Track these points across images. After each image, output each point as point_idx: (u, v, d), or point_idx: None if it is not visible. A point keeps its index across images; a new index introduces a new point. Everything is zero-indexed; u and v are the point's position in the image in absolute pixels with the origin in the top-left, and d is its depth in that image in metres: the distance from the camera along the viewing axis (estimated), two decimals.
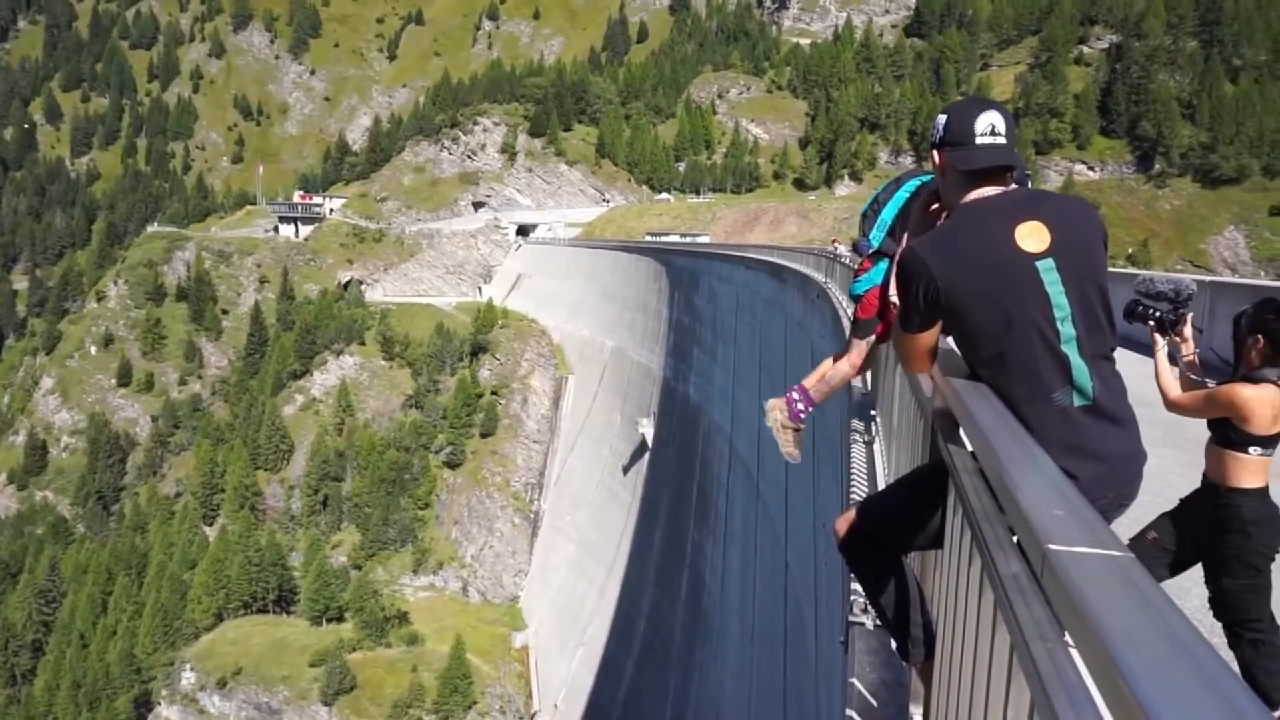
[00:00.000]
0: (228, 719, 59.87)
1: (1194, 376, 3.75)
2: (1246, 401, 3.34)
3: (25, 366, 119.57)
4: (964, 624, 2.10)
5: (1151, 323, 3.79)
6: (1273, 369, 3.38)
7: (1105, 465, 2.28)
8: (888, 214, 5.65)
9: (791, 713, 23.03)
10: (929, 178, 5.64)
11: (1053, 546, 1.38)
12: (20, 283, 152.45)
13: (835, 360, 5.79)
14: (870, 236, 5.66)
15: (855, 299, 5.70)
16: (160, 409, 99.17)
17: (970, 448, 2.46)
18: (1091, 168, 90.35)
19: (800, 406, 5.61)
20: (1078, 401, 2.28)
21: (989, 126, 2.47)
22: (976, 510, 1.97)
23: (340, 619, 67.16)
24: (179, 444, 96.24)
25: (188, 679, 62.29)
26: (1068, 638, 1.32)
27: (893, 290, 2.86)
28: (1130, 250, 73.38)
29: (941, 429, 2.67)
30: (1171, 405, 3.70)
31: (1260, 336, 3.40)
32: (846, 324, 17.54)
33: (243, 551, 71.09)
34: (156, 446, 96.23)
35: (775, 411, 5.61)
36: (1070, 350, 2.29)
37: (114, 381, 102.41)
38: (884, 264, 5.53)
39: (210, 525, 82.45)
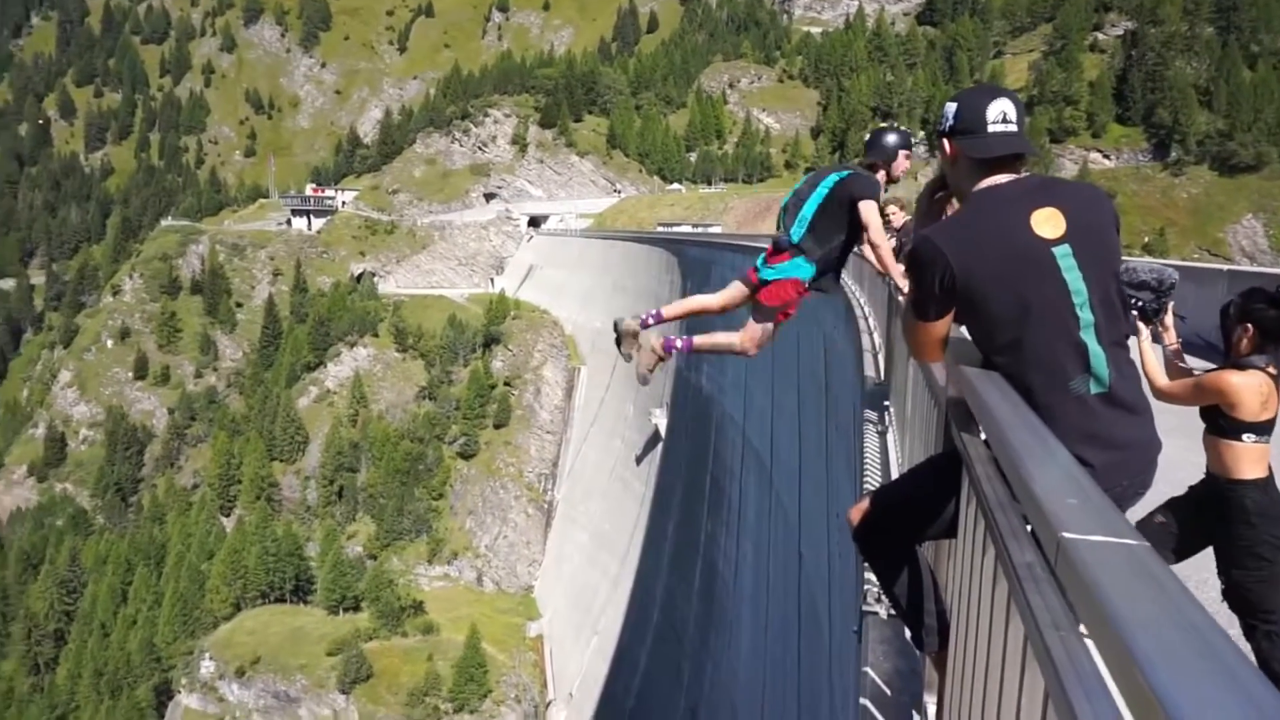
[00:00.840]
0: (246, 707, 60.52)
1: (1180, 364, 3.78)
2: (1235, 388, 3.37)
3: (43, 360, 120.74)
4: (977, 613, 2.11)
5: (1134, 312, 3.81)
6: (1260, 355, 3.42)
7: (1120, 453, 2.28)
8: (809, 210, 5.75)
9: (805, 700, 23.08)
10: (847, 173, 5.75)
11: (1067, 534, 1.36)
12: (37, 277, 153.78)
13: (727, 317, 5.91)
14: (791, 231, 5.73)
15: (764, 284, 5.73)
16: (177, 401, 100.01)
17: (984, 437, 2.47)
18: (1107, 156, 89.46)
19: (679, 346, 5.80)
20: (1094, 389, 2.28)
21: (1001, 114, 2.48)
22: (990, 499, 1.98)
23: (356, 608, 67.68)
24: (196, 436, 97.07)
25: (207, 668, 62.98)
26: (1082, 628, 1.31)
27: (902, 279, 2.87)
28: (1146, 239, 72.68)
29: (955, 418, 2.68)
30: (1159, 393, 3.71)
31: (1249, 324, 3.45)
32: (859, 312, 17.50)
33: (260, 542, 71.70)
34: (173, 438, 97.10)
35: (650, 336, 5.72)
36: (1088, 337, 2.29)
37: (131, 374, 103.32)
38: (801, 260, 5.64)
39: (227, 516, 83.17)
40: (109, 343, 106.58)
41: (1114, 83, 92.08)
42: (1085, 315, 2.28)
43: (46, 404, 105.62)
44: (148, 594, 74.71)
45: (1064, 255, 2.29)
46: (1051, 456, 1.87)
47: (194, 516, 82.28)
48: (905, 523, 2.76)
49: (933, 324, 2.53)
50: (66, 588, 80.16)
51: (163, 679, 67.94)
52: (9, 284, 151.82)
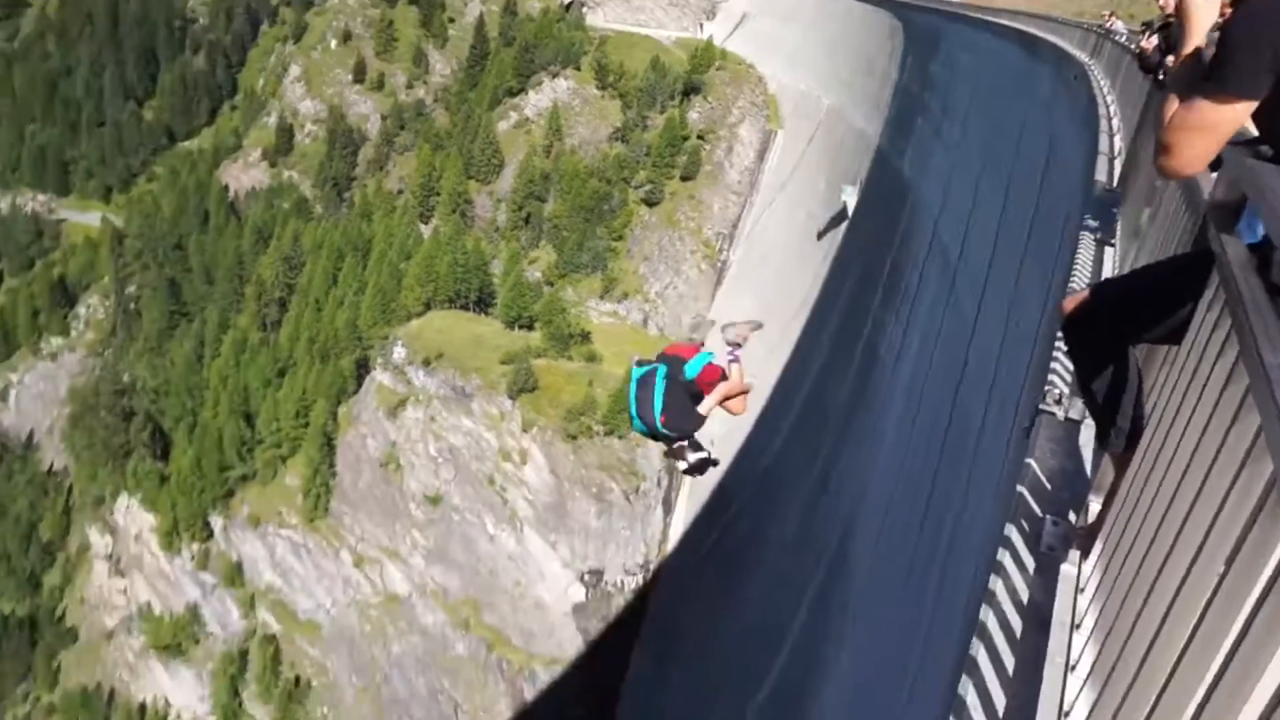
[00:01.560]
0: (428, 393, 68.41)
1: None
2: None
3: (276, 52, 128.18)
4: (1192, 413, 2.04)
5: None
6: None
7: None
8: (694, 368, 6.73)
9: (938, 495, 23.62)
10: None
11: None
12: None
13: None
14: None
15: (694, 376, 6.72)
16: (389, 109, 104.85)
17: (1249, 240, 2.25)
18: None
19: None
20: None
21: None
22: (1247, 300, 1.85)
23: (530, 327, 72.95)
24: (403, 144, 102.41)
25: (399, 353, 70.85)
26: None
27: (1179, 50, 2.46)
28: None
29: (1216, 220, 2.45)
30: None
31: None
32: (1103, 108, 15.54)
33: (451, 252, 77.27)
34: (384, 144, 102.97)
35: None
36: None
37: (350, 77, 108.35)
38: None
39: (425, 223, 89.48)
40: (333, 43, 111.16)
41: None
42: None
43: (278, 95, 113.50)
44: (354, 280, 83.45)
45: None
46: None
47: (396, 219, 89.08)
48: (1127, 319, 2.60)
49: (1239, 105, 2.11)
50: (289, 263, 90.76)
51: (362, 355, 77.53)
52: None
